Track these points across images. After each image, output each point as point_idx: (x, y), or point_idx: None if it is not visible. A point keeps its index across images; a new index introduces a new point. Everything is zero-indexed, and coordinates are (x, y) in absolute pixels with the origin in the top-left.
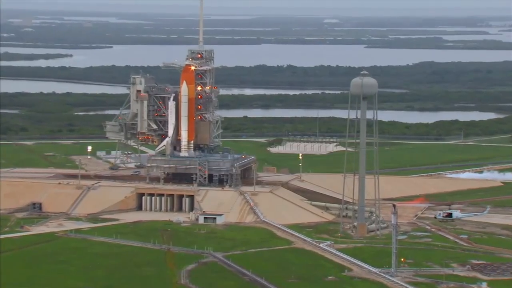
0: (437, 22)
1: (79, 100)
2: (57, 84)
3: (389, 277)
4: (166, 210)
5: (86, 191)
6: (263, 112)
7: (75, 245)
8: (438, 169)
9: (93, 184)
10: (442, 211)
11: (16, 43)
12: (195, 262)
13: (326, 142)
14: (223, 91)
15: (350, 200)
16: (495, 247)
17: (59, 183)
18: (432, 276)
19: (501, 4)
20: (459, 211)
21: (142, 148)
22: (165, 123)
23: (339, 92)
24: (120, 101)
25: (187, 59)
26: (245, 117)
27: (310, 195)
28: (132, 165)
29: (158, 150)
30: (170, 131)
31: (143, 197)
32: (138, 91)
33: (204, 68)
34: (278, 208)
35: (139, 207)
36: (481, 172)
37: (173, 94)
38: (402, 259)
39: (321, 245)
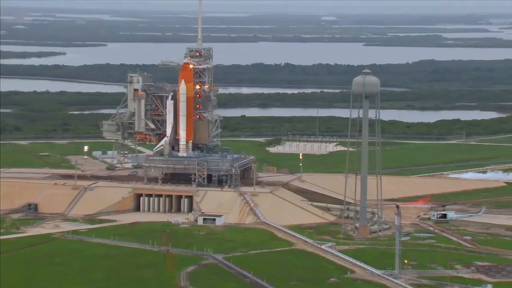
0: (436, 19)
1: (74, 99)
2: (51, 83)
3: (393, 279)
4: (165, 211)
5: (82, 191)
6: (261, 111)
7: (72, 246)
8: (440, 169)
9: (90, 185)
10: (436, 212)
11: (8, 40)
12: (195, 264)
13: (326, 142)
14: (220, 90)
15: (352, 201)
16: (500, 248)
17: (55, 183)
18: (436, 278)
19: (501, 2)
20: (453, 212)
21: (139, 148)
22: (163, 122)
23: (338, 90)
24: (116, 100)
25: (185, 57)
26: (243, 116)
27: (311, 196)
28: (129, 165)
29: (156, 150)
30: (168, 131)
31: (141, 198)
32: (136, 89)
33: (203, 66)
34: (278, 209)
35: (137, 208)
36: (484, 172)
37: (171, 93)
38: (406, 261)
39: (322, 247)
